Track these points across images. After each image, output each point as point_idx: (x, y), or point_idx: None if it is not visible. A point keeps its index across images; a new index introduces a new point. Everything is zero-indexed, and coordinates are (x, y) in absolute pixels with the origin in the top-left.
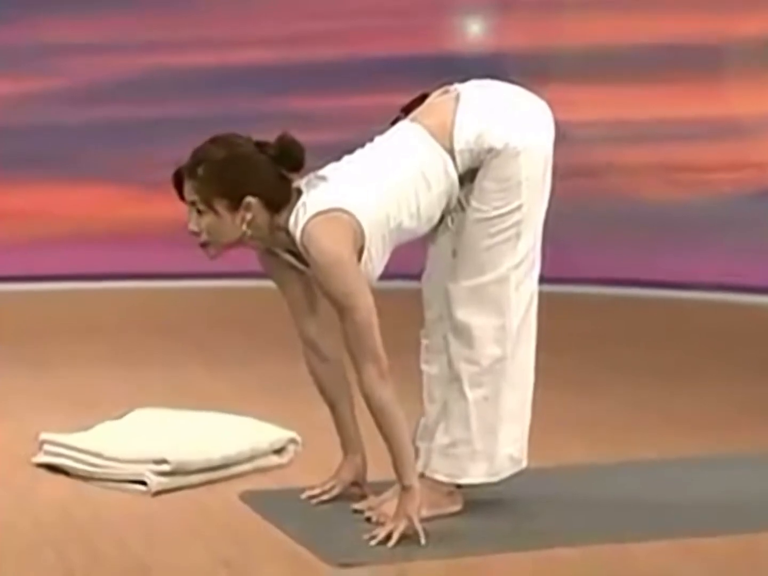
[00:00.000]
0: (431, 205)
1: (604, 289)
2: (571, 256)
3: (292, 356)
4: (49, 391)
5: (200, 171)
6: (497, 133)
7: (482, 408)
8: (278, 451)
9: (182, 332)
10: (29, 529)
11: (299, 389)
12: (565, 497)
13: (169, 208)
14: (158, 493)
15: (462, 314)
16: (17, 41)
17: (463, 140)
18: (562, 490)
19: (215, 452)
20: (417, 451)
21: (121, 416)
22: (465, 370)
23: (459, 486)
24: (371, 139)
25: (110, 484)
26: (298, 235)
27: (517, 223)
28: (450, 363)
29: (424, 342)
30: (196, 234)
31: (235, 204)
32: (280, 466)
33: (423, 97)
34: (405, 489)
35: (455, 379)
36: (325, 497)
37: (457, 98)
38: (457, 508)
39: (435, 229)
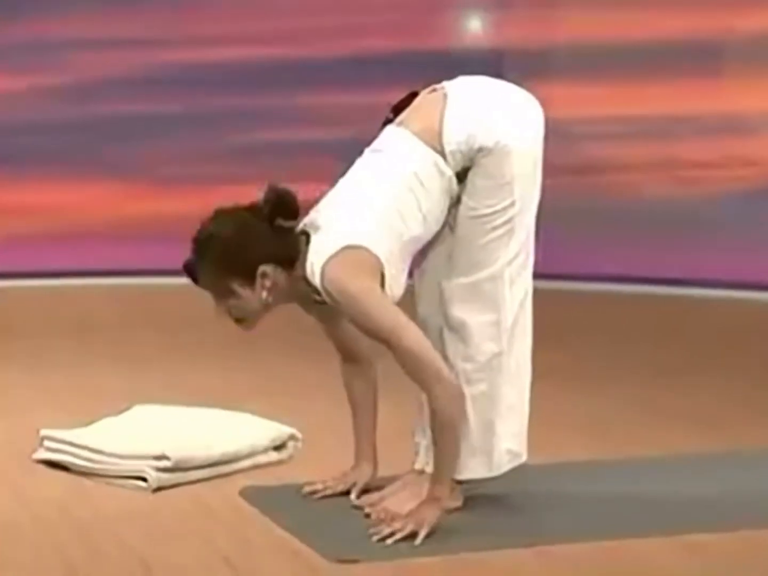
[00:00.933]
0: (435, 206)
1: (606, 286)
2: (572, 253)
3: (292, 353)
4: (48, 387)
5: (205, 264)
6: (486, 132)
7: (480, 404)
8: (278, 448)
9: (182, 328)
10: (29, 525)
11: (299, 386)
12: (564, 494)
13: (169, 205)
14: (158, 489)
15: (457, 311)
16: (18, 38)
17: (453, 142)
18: (561, 487)
19: (215, 448)
20: (417, 446)
21: (121, 412)
22: (461, 367)
23: (459, 482)
24: (361, 152)
25: (110, 480)
26: (318, 284)
27: (510, 220)
28: (446, 360)
29: None
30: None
31: (250, 278)
32: (280, 463)
33: (412, 96)
34: (433, 499)
35: None
36: (328, 492)
37: (445, 97)
38: (457, 504)
39: None
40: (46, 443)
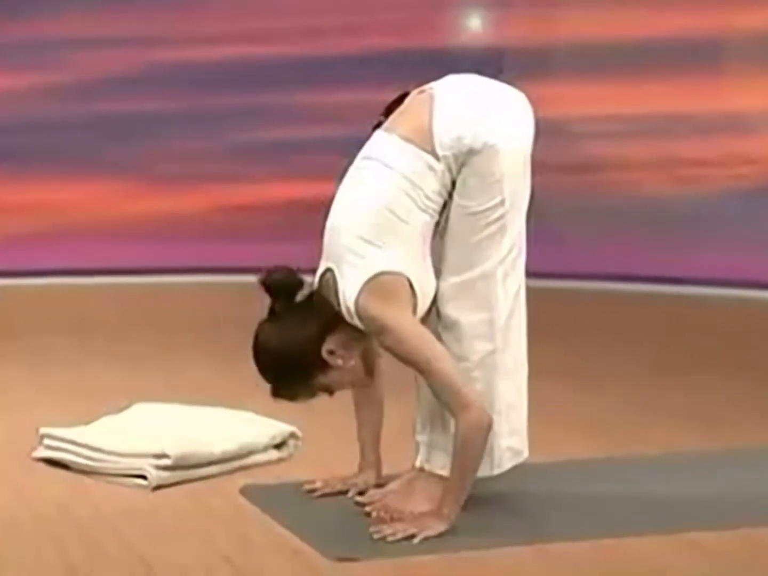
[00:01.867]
0: (431, 202)
1: (605, 284)
2: (571, 252)
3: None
4: (48, 386)
5: (286, 388)
6: (475, 133)
7: None
8: (278, 446)
9: (182, 327)
10: (29, 524)
11: None
12: (564, 493)
13: (169, 203)
14: (158, 487)
15: (451, 310)
16: (18, 36)
17: (446, 145)
18: (561, 486)
19: (216, 447)
20: (417, 445)
21: (121, 411)
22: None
23: None
24: (351, 162)
25: (110, 479)
26: (356, 321)
27: (501, 218)
28: None
29: None
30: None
31: (322, 364)
32: (280, 461)
33: (403, 97)
34: (441, 514)
35: None
36: (327, 490)
37: (432, 98)
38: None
39: None
40: (46, 441)
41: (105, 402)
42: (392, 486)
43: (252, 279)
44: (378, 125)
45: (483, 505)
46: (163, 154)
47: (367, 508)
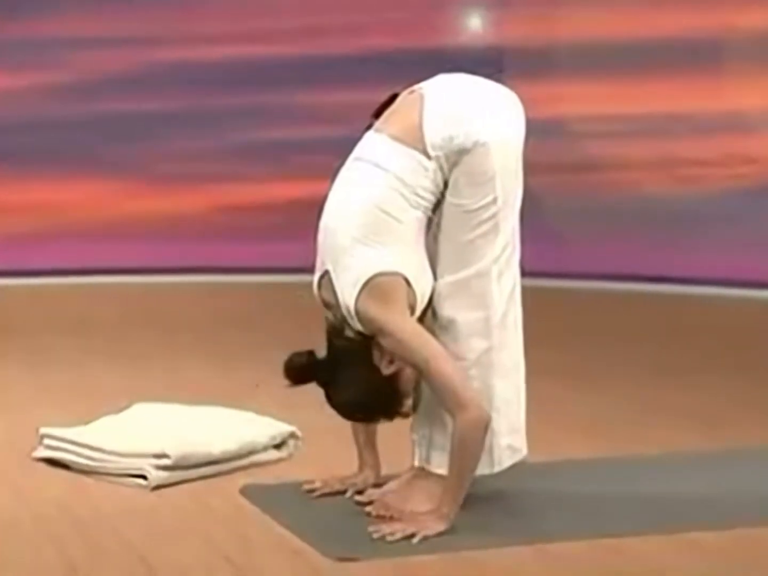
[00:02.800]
0: (428, 195)
1: (606, 284)
2: (573, 252)
3: (292, 351)
4: (48, 385)
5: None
6: (466, 132)
7: None
8: (278, 446)
9: (182, 327)
10: (29, 524)
11: None
12: (564, 492)
13: (169, 203)
14: (158, 487)
15: (446, 309)
16: (18, 36)
17: (438, 145)
18: (561, 485)
19: (215, 447)
20: (413, 443)
21: (121, 411)
22: None
23: None
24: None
25: (110, 479)
26: (359, 325)
27: (494, 216)
28: None
29: None
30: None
31: (394, 378)
32: (280, 461)
33: (393, 98)
34: (440, 514)
35: None
36: (326, 490)
37: (422, 98)
38: None
39: None
40: (46, 441)
41: (105, 402)
42: (391, 485)
43: (252, 279)
44: (369, 127)
45: (483, 505)
46: (163, 154)
47: (367, 508)
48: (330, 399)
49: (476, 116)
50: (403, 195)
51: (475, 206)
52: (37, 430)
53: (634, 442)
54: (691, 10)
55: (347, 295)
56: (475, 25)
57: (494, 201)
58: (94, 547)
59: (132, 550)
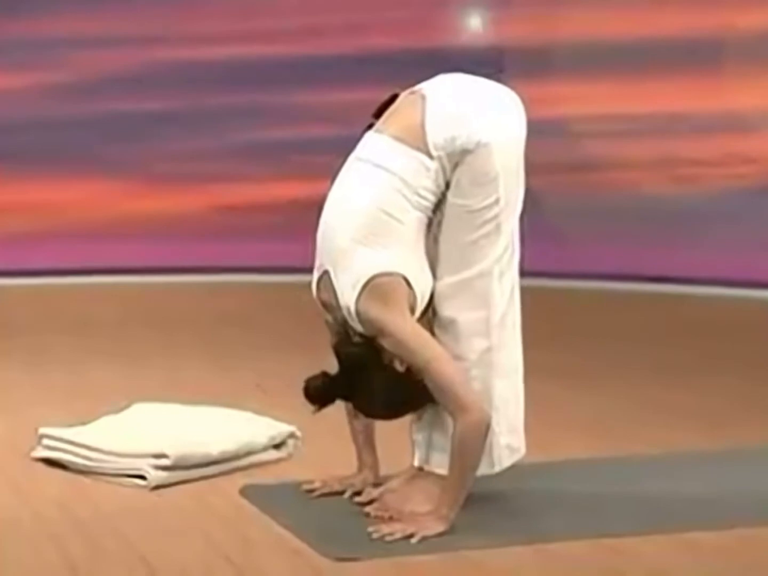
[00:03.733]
0: (425, 200)
1: (606, 284)
2: (573, 252)
3: (291, 351)
4: (47, 385)
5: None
6: (468, 133)
7: None
8: (278, 446)
9: (181, 326)
10: (29, 523)
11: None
12: (564, 492)
13: (168, 202)
14: (157, 487)
15: (447, 310)
16: (17, 35)
17: (440, 145)
18: (561, 485)
19: (215, 447)
20: (413, 443)
21: (120, 411)
22: None
23: None
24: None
25: (109, 479)
26: (359, 326)
27: (496, 216)
28: None
29: None
30: None
31: (410, 375)
32: (279, 461)
33: (393, 98)
34: (440, 516)
35: None
36: (325, 490)
37: (423, 99)
38: None
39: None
40: (45, 441)
41: (105, 402)
42: (391, 485)
43: (252, 278)
44: (369, 127)
45: (482, 505)
46: (163, 154)
47: (366, 508)
48: (360, 410)
49: (478, 116)
50: (404, 195)
51: (479, 206)
52: (36, 430)
53: (634, 442)
54: (691, 10)
55: (347, 295)
56: (475, 25)
57: (497, 201)
58: (94, 546)
59: (132, 550)
